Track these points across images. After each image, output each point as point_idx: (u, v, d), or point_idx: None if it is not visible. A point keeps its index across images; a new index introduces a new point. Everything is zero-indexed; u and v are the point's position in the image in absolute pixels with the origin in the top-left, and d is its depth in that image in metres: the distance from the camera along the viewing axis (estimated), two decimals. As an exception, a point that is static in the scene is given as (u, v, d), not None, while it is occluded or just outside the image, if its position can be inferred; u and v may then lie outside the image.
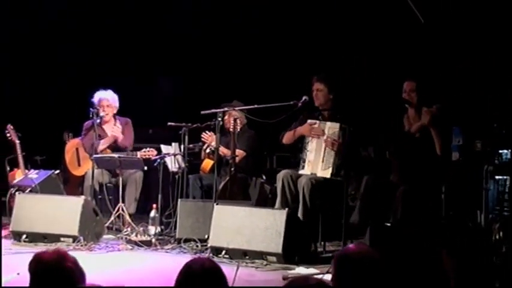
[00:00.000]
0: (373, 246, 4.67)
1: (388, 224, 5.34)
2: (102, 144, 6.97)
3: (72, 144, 7.60)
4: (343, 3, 7.49)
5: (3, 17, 8.37)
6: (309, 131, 6.06)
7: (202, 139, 6.84)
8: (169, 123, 6.75)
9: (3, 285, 4.31)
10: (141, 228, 6.30)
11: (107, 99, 7.08)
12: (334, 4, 7.53)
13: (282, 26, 7.95)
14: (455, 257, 3.35)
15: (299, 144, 6.15)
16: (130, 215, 6.57)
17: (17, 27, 8.57)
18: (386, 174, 5.86)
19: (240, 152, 6.77)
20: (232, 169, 6.51)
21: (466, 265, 3.39)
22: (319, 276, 4.53)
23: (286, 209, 5.59)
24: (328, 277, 3.37)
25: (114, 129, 7.06)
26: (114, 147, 7.11)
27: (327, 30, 7.65)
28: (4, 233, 6.55)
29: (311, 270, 5.07)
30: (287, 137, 6.27)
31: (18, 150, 7.32)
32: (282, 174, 6.02)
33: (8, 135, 7.31)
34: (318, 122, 6.04)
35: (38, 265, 2.71)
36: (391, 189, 5.48)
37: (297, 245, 5.45)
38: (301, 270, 5.13)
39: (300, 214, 5.80)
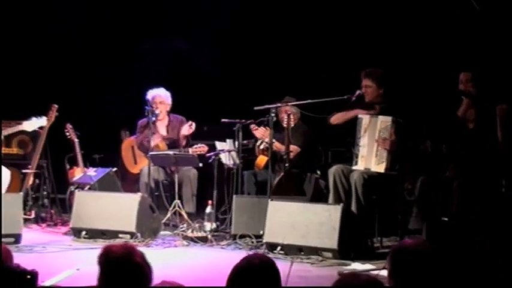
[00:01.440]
0: (430, 241, 4.61)
1: (445, 219, 5.24)
2: (154, 140, 7.04)
3: (128, 142, 7.73)
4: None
5: (64, 17, 8.58)
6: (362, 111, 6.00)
7: (254, 133, 6.85)
8: (222, 120, 6.79)
9: (64, 280, 4.43)
10: (197, 225, 6.36)
11: (159, 95, 7.16)
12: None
13: (332, 20, 7.88)
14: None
15: (351, 139, 6.07)
16: (188, 213, 6.63)
17: (76, 29, 8.75)
18: (443, 169, 5.74)
19: (294, 148, 6.76)
20: (287, 165, 6.50)
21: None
22: (375, 272, 4.50)
23: (341, 204, 5.55)
24: (384, 273, 3.33)
25: (184, 129, 7.08)
26: (170, 144, 7.19)
27: (377, 22, 7.55)
28: (64, 229, 6.72)
29: (367, 266, 5.04)
30: (336, 117, 6.14)
31: (77, 149, 7.48)
32: (333, 170, 5.96)
33: (67, 134, 7.47)
34: (369, 116, 5.96)
35: (107, 258, 2.76)
36: (447, 185, 5.37)
37: (352, 241, 5.42)
38: (357, 266, 5.09)
39: (353, 209, 5.75)
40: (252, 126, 6.75)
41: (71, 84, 8.64)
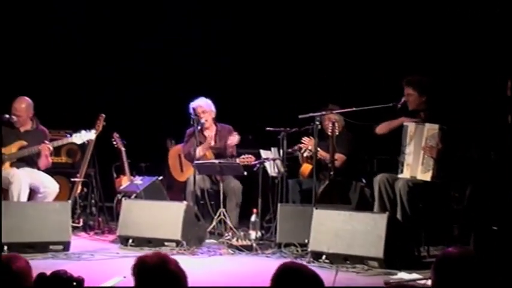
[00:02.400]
0: (478, 250, 4.53)
1: (495, 228, 5.14)
2: (201, 151, 7.09)
3: (175, 151, 7.80)
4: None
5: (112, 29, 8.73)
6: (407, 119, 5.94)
7: (302, 144, 6.84)
8: (267, 129, 6.79)
9: (111, 287, 4.49)
10: (242, 233, 6.36)
11: (200, 105, 7.19)
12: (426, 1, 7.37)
13: (378, 27, 7.83)
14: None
15: (396, 148, 6.01)
16: (232, 221, 6.64)
17: (123, 38, 8.88)
18: (492, 176, 5.63)
19: (340, 156, 6.73)
20: (332, 173, 6.48)
21: None
22: (422, 282, 4.45)
23: (387, 213, 5.50)
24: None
25: (231, 139, 7.14)
26: (217, 154, 7.23)
27: (422, 28, 7.47)
28: (112, 237, 6.81)
29: (414, 276, 4.96)
30: (381, 127, 6.13)
31: (124, 158, 7.58)
32: (378, 178, 5.93)
33: (114, 143, 7.58)
34: (415, 123, 5.89)
35: (141, 268, 2.79)
36: (497, 193, 5.26)
37: (398, 250, 5.36)
38: (403, 276, 5.02)
39: (399, 218, 5.68)
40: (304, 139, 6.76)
41: (118, 95, 8.75)
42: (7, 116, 6.83)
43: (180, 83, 8.61)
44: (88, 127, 6.95)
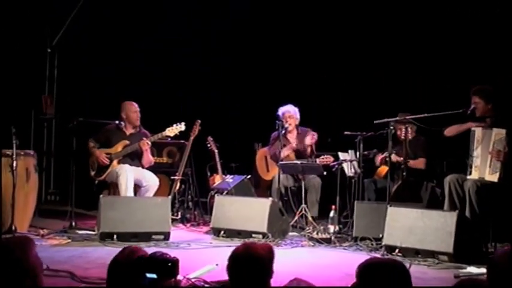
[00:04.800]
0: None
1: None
2: (285, 151, 7.12)
3: (261, 153, 7.83)
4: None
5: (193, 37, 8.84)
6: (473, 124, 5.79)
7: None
8: (345, 132, 6.74)
9: (205, 273, 4.54)
10: (322, 227, 6.34)
11: (288, 111, 7.28)
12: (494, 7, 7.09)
13: (445, 39, 7.60)
14: None
15: (464, 151, 5.86)
16: (312, 217, 6.63)
17: (209, 46, 8.98)
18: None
19: (421, 160, 6.80)
20: (404, 173, 6.37)
21: None
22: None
23: (457, 211, 5.36)
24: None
25: (307, 139, 7.16)
26: (298, 155, 7.26)
27: (486, 38, 7.21)
28: (206, 229, 6.91)
29: (482, 270, 4.79)
30: (450, 129, 6.02)
31: (217, 158, 7.67)
32: (448, 178, 5.81)
33: (209, 145, 7.69)
34: (482, 128, 5.73)
35: (234, 252, 2.84)
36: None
37: (467, 246, 5.19)
38: (472, 270, 4.86)
39: (467, 215, 5.53)
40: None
41: (213, 101, 8.87)
42: (120, 122, 7.06)
43: (267, 91, 8.63)
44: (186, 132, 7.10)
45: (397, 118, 6.36)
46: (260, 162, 7.68)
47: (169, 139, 7.21)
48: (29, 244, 2.67)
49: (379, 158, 7.02)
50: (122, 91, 8.10)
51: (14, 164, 6.01)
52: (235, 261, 2.75)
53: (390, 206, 5.67)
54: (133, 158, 7.04)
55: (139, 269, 2.65)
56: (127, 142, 7.03)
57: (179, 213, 7.29)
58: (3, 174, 6.17)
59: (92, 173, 7.05)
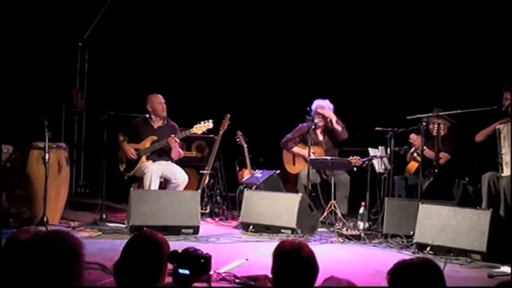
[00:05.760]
0: None
1: None
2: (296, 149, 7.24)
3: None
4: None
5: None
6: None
7: (410, 140, 6.67)
8: (376, 128, 6.66)
9: (235, 268, 4.53)
10: (351, 224, 6.28)
11: (322, 105, 7.19)
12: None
13: (485, 30, 7.45)
14: None
15: (494, 150, 5.77)
16: (342, 212, 6.57)
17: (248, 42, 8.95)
18: None
19: (444, 155, 6.53)
20: (436, 170, 6.26)
21: None
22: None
23: (491, 209, 5.25)
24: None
25: (326, 111, 7.18)
26: (327, 150, 7.20)
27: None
28: (234, 223, 6.90)
29: (516, 270, 4.69)
30: (479, 135, 6.03)
31: (246, 153, 7.65)
32: (487, 176, 5.73)
33: (238, 140, 7.67)
34: (505, 125, 5.64)
35: (279, 251, 2.80)
36: None
37: (501, 245, 5.07)
38: (506, 269, 4.76)
39: (501, 214, 5.42)
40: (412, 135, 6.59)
41: (243, 95, 8.84)
42: (147, 115, 7.07)
43: (298, 85, 8.56)
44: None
45: (430, 114, 6.25)
46: (287, 156, 7.63)
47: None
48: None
49: (409, 154, 6.92)
50: (151, 85, 8.11)
51: (47, 157, 6.05)
52: (284, 261, 2.72)
53: (422, 203, 5.59)
54: (162, 153, 7.05)
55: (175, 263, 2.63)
56: (155, 138, 7.03)
57: (208, 207, 7.28)
58: (36, 166, 6.24)
59: (121, 168, 7.08)
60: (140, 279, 2.60)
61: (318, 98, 7.23)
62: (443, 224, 5.32)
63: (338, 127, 7.17)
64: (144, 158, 7.00)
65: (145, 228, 5.82)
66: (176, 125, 7.18)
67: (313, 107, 7.17)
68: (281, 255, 2.76)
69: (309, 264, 2.70)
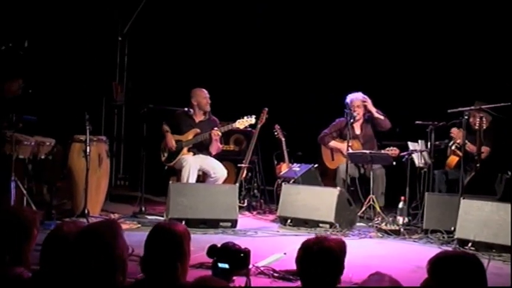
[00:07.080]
0: None
1: None
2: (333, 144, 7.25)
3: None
4: None
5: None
6: None
7: (451, 135, 6.56)
8: (416, 122, 6.56)
9: (274, 262, 4.52)
10: (390, 218, 6.21)
11: (358, 99, 7.12)
12: None
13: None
14: None
15: None
16: (380, 207, 6.50)
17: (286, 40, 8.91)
18: None
19: (485, 149, 6.38)
20: (478, 165, 6.13)
21: None
22: None
23: (535, 205, 5.11)
24: None
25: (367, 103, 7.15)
26: (364, 143, 7.14)
27: None
28: (272, 217, 6.89)
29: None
30: None
31: (284, 147, 7.63)
32: None
33: (276, 133, 7.66)
34: None
35: (305, 243, 2.79)
36: None
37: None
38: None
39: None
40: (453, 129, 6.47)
41: (281, 89, 8.80)
42: (186, 109, 7.12)
43: (335, 79, 8.48)
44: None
45: (472, 107, 6.13)
46: (326, 151, 7.58)
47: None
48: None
49: (449, 148, 6.81)
50: (191, 79, 8.14)
51: (88, 150, 6.13)
52: (307, 254, 2.68)
53: (463, 198, 5.49)
54: (201, 147, 7.08)
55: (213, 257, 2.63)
56: (198, 130, 7.07)
57: (245, 200, 7.29)
58: (77, 159, 6.33)
59: (163, 158, 7.15)
60: (161, 271, 2.60)
61: (356, 90, 7.16)
62: (485, 219, 5.22)
63: (381, 116, 7.11)
64: (185, 149, 7.05)
65: (165, 219, 5.94)
66: (217, 120, 7.21)
67: (348, 100, 7.10)
68: (305, 245, 2.73)
69: (331, 254, 2.65)
